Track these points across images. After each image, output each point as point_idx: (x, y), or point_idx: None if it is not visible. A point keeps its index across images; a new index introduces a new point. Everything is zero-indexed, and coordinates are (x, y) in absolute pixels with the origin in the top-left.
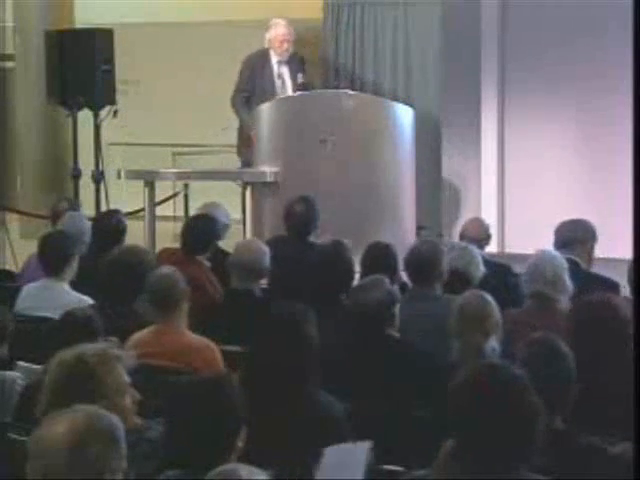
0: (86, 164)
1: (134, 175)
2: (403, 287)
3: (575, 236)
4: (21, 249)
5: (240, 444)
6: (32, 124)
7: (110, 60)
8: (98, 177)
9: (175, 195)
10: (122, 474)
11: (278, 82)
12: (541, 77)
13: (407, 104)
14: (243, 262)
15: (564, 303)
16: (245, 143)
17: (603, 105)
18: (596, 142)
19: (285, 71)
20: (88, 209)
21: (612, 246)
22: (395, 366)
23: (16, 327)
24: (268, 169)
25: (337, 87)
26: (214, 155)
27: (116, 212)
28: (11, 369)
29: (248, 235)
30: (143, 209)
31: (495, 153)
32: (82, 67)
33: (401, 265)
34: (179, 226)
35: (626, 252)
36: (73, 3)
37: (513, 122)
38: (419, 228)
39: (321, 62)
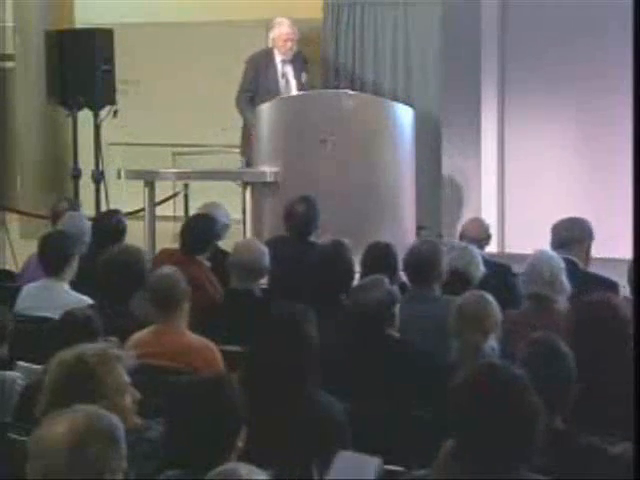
0: (86, 164)
1: (134, 175)
2: (403, 287)
3: (572, 236)
4: (21, 249)
5: (240, 444)
6: (32, 124)
7: (110, 60)
8: (98, 177)
9: (175, 195)
10: (122, 474)
11: (282, 81)
12: (541, 77)
13: (407, 104)
14: (243, 262)
15: (562, 304)
16: (249, 143)
17: (603, 105)
18: (596, 142)
19: (289, 70)
20: (88, 209)
21: (612, 246)
22: (395, 366)
23: (16, 327)
24: (268, 169)
25: (337, 87)
26: (214, 155)
27: (116, 212)
28: (11, 369)
29: (248, 235)
30: (143, 209)
31: (495, 153)
32: (82, 67)
33: (401, 265)
34: (179, 226)
35: (626, 252)
36: (73, 3)
37: (513, 122)
38: (419, 228)
39: (321, 62)
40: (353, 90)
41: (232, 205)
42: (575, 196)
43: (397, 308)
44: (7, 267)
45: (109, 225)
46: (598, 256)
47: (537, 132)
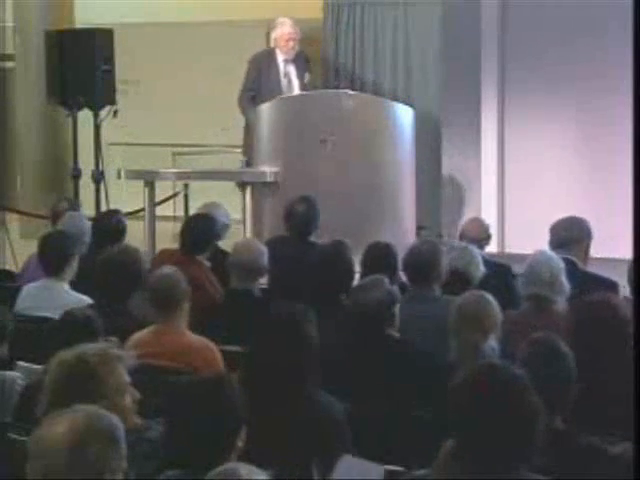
0: (86, 164)
1: (134, 175)
2: (403, 287)
3: (571, 235)
4: (21, 249)
5: (240, 444)
6: (32, 124)
7: (110, 60)
8: (98, 177)
9: (175, 195)
10: (122, 474)
11: (284, 81)
12: (541, 77)
13: (407, 104)
14: (242, 262)
15: (561, 304)
16: (251, 142)
17: (603, 105)
18: (596, 142)
19: (291, 70)
20: (88, 209)
21: (612, 246)
22: (395, 366)
23: (16, 327)
24: (268, 169)
25: (337, 87)
26: (214, 155)
27: (116, 212)
28: (11, 369)
29: (248, 235)
30: (143, 209)
31: (495, 153)
32: (82, 67)
33: (400, 265)
34: (179, 226)
35: (626, 252)
36: (73, 3)
37: (513, 122)
38: (419, 228)
39: (321, 62)
40: (353, 90)
41: (232, 205)
42: (575, 196)
43: (397, 308)
44: (7, 267)
45: (109, 225)
46: (598, 256)
47: (537, 132)
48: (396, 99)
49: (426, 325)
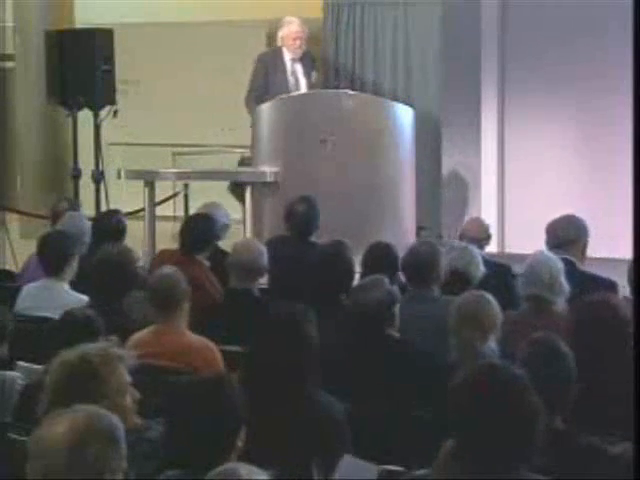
0: (86, 164)
1: (134, 175)
2: (403, 287)
3: (568, 235)
4: (21, 249)
5: (240, 444)
6: (32, 124)
7: (110, 60)
8: (98, 177)
9: (175, 195)
10: (122, 474)
11: (291, 79)
12: (541, 77)
13: (407, 104)
14: (242, 262)
15: (560, 305)
16: None
17: (603, 105)
18: (596, 142)
19: (298, 69)
20: (88, 209)
21: (612, 246)
22: (395, 366)
23: (16, 327)
24: (268, 169)
25: (337, 87)
26: (214, 155)
27: (116, 212)
28: (11, 369)
29: (248, 235)
30: (143, 209)
31: (495, 153)
32: (82, 67)
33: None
34: (179, 226)
35: (626, 252)
36: (73, 3)
37: (513, 122)
38: (419, 228)
39: (321, 62)
40: (353, 90)
41: (232, 205)
42: (575, 196)
43: (397, 308)
44: (7, 267)
45: (109, 225)
46: (598, 256)
47: (537, 132)
48: (396, 99)
49: (426, 325)
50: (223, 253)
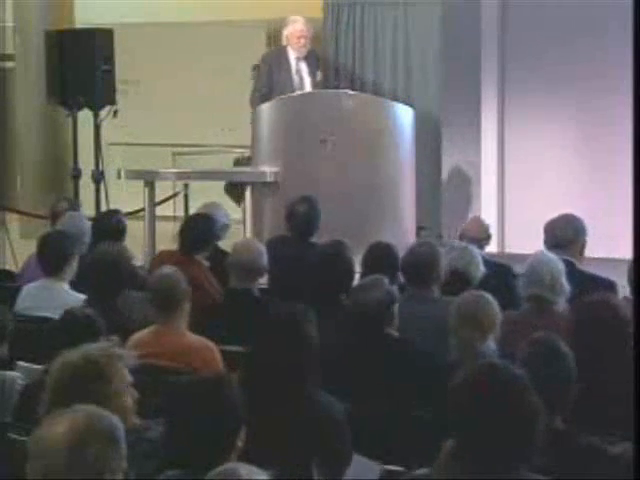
0: (86, 164)
1: (134, 175)
2: (403, 287)
3: (566, 235)
4: (21, 249)
5: (240, 444)
6: (32, 124)
7: (110, 60)
8: (98, 177)
9: (175, 195)
10: (122, 474)
11: (296, 78)
12: (541, 77)
13: (407, 104)
14: (241, 262)
15: (561, 305)
16: None
17: (603, 105)
18: (596, 142)
19: (303, 67)
20: (88, 209)
21: (612, 246)
22: (395, 366)
23: (16, 327)
24: (268, 169)
25: (337, 87)
26: (214, 155)
27: (116, 212)
28: (11, 369)
29: (248, 235)
30: (143, 209)
31: (495, 153)
32: (82, 67)
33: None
34: (179, 226)
35: (626, 252)
36: (73, 3)
37: (513, 122)
38: (419, 228)
39: (321, 62)
40: (353, 90)
41: (232, 205)
42: (575, 196)
43: (396, 307)
44: (7, 267)
45: (109, 225)
46: (598, 256)
47: (537, 132)
48: (396, 99)
49: (425, 326)
50: (223, 253)
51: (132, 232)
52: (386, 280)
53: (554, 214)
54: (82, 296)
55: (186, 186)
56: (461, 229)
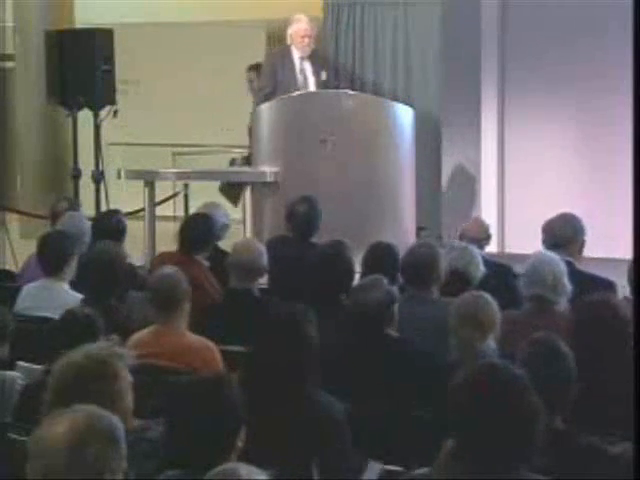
0: (86, 164)
1: (134, 175)
2: (403, 287)
3: (565, 235)
4: (21, 249)
5: (240, 444)
6: (32, 124)
7: (110, 60)
8: (98, 177)
9: (175, 195)
10: (122, 474)
11: (300, 77)
12: (541, 77)
13: (407, 104)
14: (241, 262)
15: (562, 305)
16: None
17: (603, 105)
18: (596, 142)
19: (307, 67)
20: (88, 209)
21: (612, 246)
22: (395, 366)
23: (16, 327)
24: (268, 169)
25: (337, 87)
26: (214, 155)
27: (116, 212)
28: (11, 369)
29: (248, 235)
30: (143, 209)
31: (495, 153)
32: (82, 67)
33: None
34: (179, 226)
35: (626, 252)
36: (73, 3)
37: (513, 122)
38: (419, 228)
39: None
40: (353, 90)
41: (230, 205)
42: (575, 196)
43: (396, 307)
44: (7, 267)
45: (109, 225)
46: (598, 256)
47: (537, 132)
48: (396, 99)
49: (425, 326)
50: (223, 253)
51: (132, 232)
52: (386, 280)
53: (554, 214)
54: (82, 296)
55: (186, 186)
56: (461, 229)
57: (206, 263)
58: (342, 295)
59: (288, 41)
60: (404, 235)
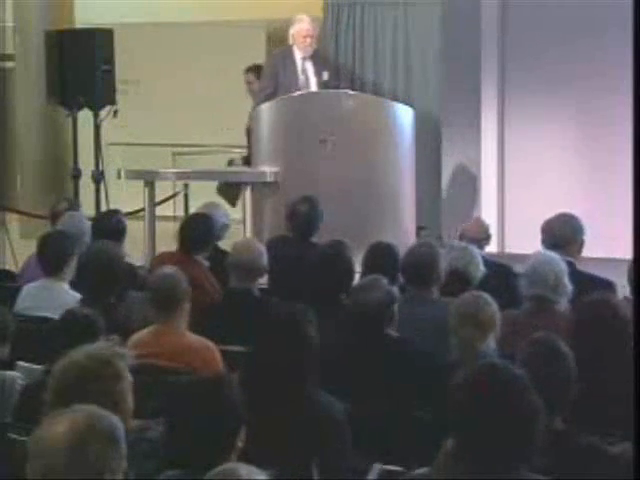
0: (86, 164)
1: (134, 175)
2: (403, 288)
3: (565, 235)
4: (21, 249)
5: (240, 444)
6: (32, 124)
7: (110, 60)
8: (98, 177)
9: (175, 195)
10: (122, 474)
11: (302, 77)
12: (541, 77)
13: (407, 104)
14: (241, 262)
15: (563, 305)
16: None
17: (603, 105)
18: (596, 142)
19: (309, 67)
20: (88, 209)
21: (612, 246)
22: (395, 366)
23: (16, 327)
24: (268, 169)
25: (337, 87)
26: (214, 155)
27: (116, 212)
28: (11, 369)
29: (248, 235)
30: (143, 209)
31: (495, 153)
32: (82, 67)
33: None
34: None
35: (626, 252)
36: (73, 3)
37: (513, 122)
38: (419, 228)
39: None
40: (353, 90)
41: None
42: (575, 196)
43: (396, 307)
44: (7, 267)
45: (109, 225)
46: (598, 256)
47: (537, 132)
48: (396, 99)
49: (425, 326)
50: (223, 253)
51: (132, 232)
52: (385, 280)
53: (554, 214)
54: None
55: (186, 186)
56: (461, 229)
57: (206, 263)
58: (342, 295)
59: (290, 41)
60: (404, 235)
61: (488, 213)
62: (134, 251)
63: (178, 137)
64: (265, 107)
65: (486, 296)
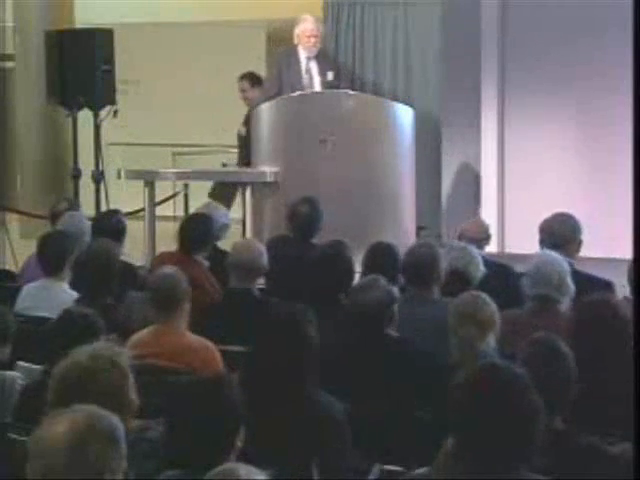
0: (86, 164)
1: (134, 175)
2: (404, 288)
3: (564, 235)
4: (21, 249)
5: (240, 444)
6: (32, 124)
7: (110, 60)
8: (98, 177)
9: (175, 195)
10: (122, 474)
11: (306, 77)
12: (541, 77)
13: (407, 104)
14: (241, 262)
15: (565, 305)
16: None
17: (603, 105)
18: (596, 142)
19: (313, 66)
20: (88, 209)
21: (612, 246)
22: (395, 366)
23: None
24: (268, 169)
25: (337, 87)
26: (214, 155)
27: (116, 212)
28: (11, 369)
29: (248, 235)
30: (143, 209)
31: (495, 153)
32: (82, 67)
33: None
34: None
35: (626, 252)
36: (73, 3)
37: (513, 122)
38: (419, 228)
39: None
40: (353, 90)
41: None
42: (575, 196)
43: (396, 307)
44: (7, 267)
45: (109, 225)
46: (598, 256)
47: (537, 132)
48: (396, 99)
49: (425, 326)
50: (222, 253)
51: (132, 232)
52: (385, 280)
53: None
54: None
55: (186, 186)
56: (461, 229)
57: (206, 263)
58: (342, 295)
59: (295, 41)
60: (404, 235)
61: (488, 213)
62: (134, 251)
63: (178, 137)
64: (265, 107)
65: (485, 296)
